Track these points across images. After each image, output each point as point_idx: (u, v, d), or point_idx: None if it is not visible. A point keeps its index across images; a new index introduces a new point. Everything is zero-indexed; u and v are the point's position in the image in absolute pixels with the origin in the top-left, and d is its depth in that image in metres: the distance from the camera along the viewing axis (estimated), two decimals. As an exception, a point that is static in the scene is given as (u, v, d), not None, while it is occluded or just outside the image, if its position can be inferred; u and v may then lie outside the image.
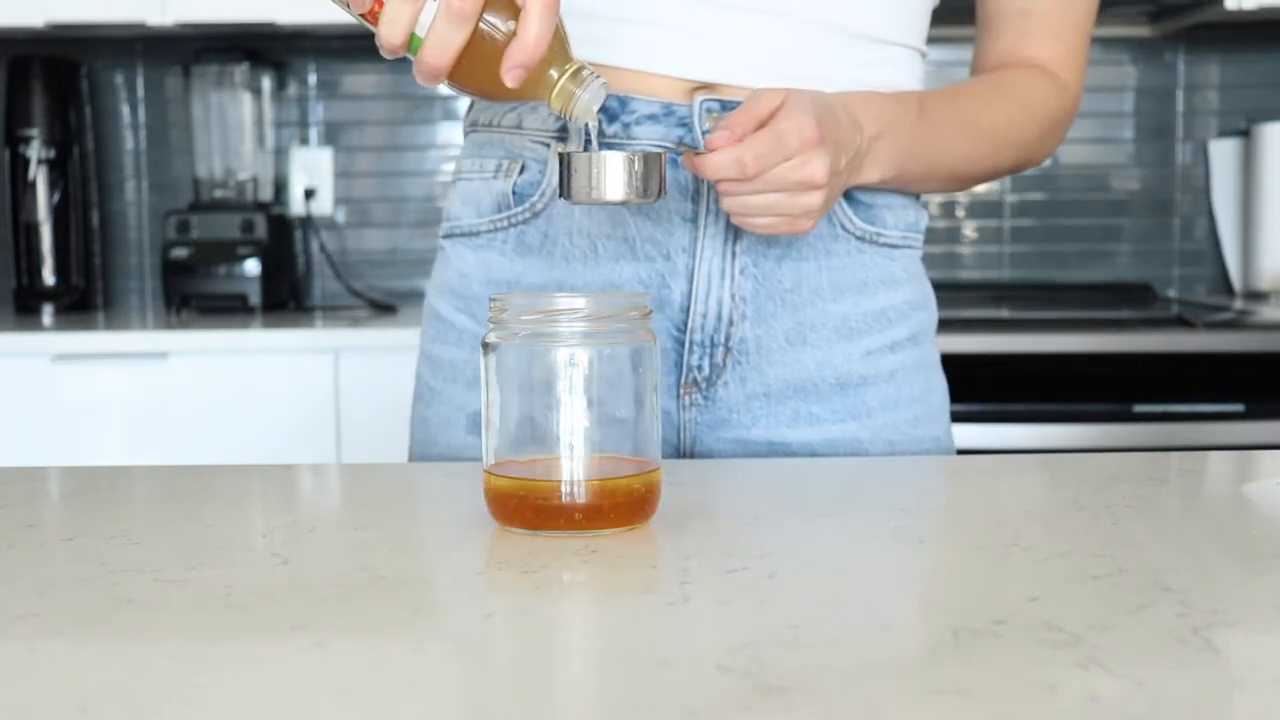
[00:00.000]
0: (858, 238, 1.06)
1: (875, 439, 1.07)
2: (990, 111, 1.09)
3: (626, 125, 1.02)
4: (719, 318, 1.04)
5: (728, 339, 1.04)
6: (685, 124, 1.01)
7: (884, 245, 1.07)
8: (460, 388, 1.09)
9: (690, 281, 1.03)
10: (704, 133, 1.01)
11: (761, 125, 0.92)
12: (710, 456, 1.06)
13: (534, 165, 1.05)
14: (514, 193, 1.06)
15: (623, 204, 0.89)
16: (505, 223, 1.07)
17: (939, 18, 1.12)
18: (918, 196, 1.11)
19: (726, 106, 1.01)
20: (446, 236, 1.11)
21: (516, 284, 1.06)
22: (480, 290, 1.08)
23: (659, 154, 0.89)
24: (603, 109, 1.01)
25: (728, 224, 1.03)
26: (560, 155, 0.90)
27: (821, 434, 1.06)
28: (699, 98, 1.01)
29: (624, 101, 1.02)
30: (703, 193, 1.03)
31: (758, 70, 1.01)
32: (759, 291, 1.04)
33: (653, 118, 1.02)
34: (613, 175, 0.88)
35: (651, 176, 0.88)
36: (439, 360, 1.11)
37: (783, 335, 1.05)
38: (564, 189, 0.89)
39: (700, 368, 1.05)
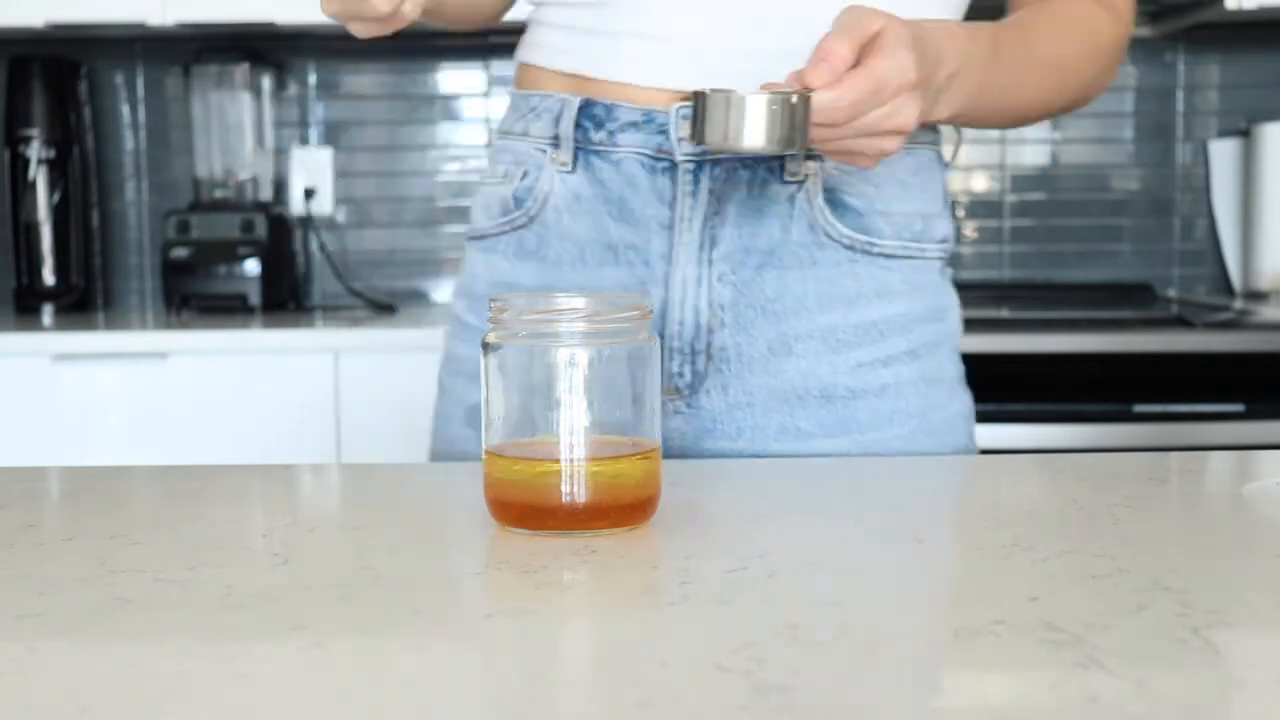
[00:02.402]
0: (846, 246, 1.04)
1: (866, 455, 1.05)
2: (1057, 46, 1.04)
3: (611, 133, 1.04)
4: (697, 325, 1.04)
5: (708, 346, 1.04)
6: (664, 131, 1.02)
7: (878, 255, 1.05)
8: (463, 381, 1.11)
9: (666, 288, 1.04)
10: (679, 140, 1.01)
11: (862, 50, 0.87)
12: None
13: (534, 171, 1.07)
14: (514, 197, 1.08)
15: (761, 152, 0.85)
16: (508, 226, 1.09)
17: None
18: (947, 207, 1.08)
19: None
20: (468, 239, 1.14)
21: (515, 286, 1.08)
22: (486, 291, 1.10)
23: (806, 97, 0.84)
24: (589, 116, 1.04)
25: (702, 231, 1.03)
26: (695, 94, 0.86)
27: (809, 448, 1.04)
28: (675, 104, 1.02)
29: (610, 109, 1.03)
30: (678, 198, 1.03)
31: (743, 78, 1.00)
32: (738, 300, 1.03)
33: (634, 125, 1.03)
34: (752, 120, 0.84)
35: (796, 123, 0.84)
36: (451, 357, 1.14)
37: (765, 345, 1.04)
38: (696, 132, 0.85)
39: (681, 374, 1.04)
